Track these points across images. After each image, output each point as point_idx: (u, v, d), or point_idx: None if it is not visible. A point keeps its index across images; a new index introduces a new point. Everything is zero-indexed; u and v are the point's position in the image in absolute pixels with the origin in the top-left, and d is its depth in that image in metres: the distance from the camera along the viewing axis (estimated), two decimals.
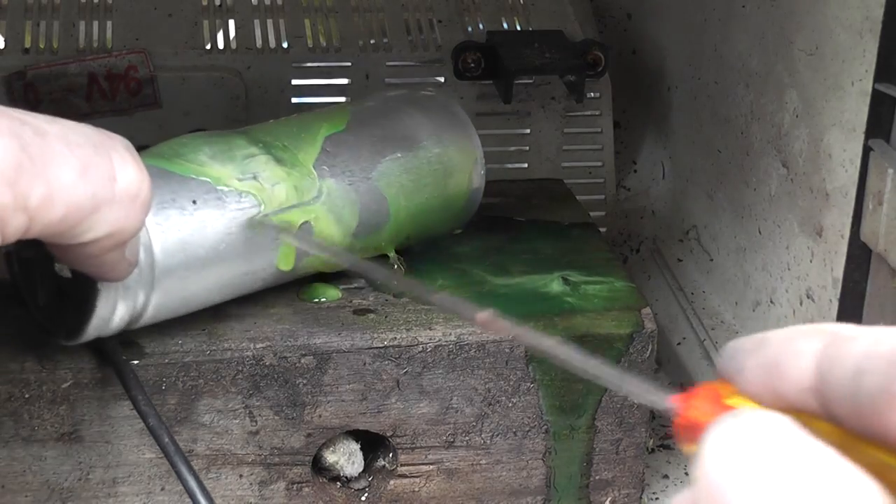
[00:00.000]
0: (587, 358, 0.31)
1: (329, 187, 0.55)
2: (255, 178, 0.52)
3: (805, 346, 0.25)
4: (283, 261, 0.54)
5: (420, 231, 0.60)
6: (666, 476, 0.69)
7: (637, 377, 0.29)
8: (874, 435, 0.24)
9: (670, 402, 0.27)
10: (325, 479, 0.57)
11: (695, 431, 0.26)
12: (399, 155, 0.58)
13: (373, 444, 0.57)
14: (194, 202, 0.50)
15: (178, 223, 0.49)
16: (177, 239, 0.49)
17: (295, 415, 0.54)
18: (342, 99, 0.84)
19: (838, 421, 0.25)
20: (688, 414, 0.27)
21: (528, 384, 0.56)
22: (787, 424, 0.23)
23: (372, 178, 0.56)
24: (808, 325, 0.26)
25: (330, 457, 0.55)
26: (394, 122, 0.60)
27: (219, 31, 0.83)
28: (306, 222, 0.53)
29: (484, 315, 0.35)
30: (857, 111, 0.61)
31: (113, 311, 0.48)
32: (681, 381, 0.79)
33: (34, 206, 0.35)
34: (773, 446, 0.22)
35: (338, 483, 0.57)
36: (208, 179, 0.51)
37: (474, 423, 0.56)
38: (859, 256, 0.61)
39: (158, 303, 0.49)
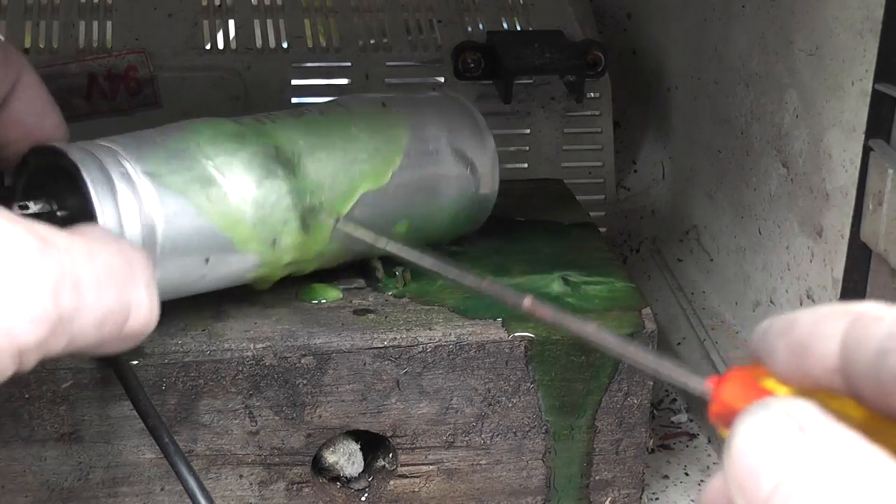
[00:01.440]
0: (625, 343, 0.32)
1: (336, 247, 0.55)
2: (273, 244, 0.52)
3: (831, 327, 0.26)
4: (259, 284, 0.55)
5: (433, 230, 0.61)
6: (666, 476, 0.69)
7: (673, 362, 0.30)
8: None
9: (706, 385, 0.28)
10: (325, 480, 0.57)
11: (729, 415, 0.27)
12: (423, 213, 0.59)
13: (373, 444, 0.57)
14: (207, 261, 0.50)
15: (180, 271, 0.50)
16: (177, 279, 0.50)
17: (295, 415, 0.54)
18: None
19: (864, 400, 0.25)
20: (721, 398, 0.27)
21: (528, 384, 0.56)
22: (813, 412, 0.24)
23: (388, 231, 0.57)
24: (835, 305, 0.27)
25: (330, 457, 0.55)
26: (432, 171, 0.59)
27: (219, 31, 0.83)
28: (298, 267, 0.55)
29: (528, 301, 0.36)
30: (857, 111, 0.61)
31: None
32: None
33: (47, 350, 0.36)
34: (800, 434, 0.23)
35: (338, 483, 0.57)
36: (231, 239, 0.51)
37: (474, 424, 0.56)
38: (859, 256, 0.61)
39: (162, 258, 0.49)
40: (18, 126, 0.52)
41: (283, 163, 0.53)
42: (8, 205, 0.46)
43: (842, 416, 0.24)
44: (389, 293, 0.58)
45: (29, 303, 0.34)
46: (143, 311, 0.40)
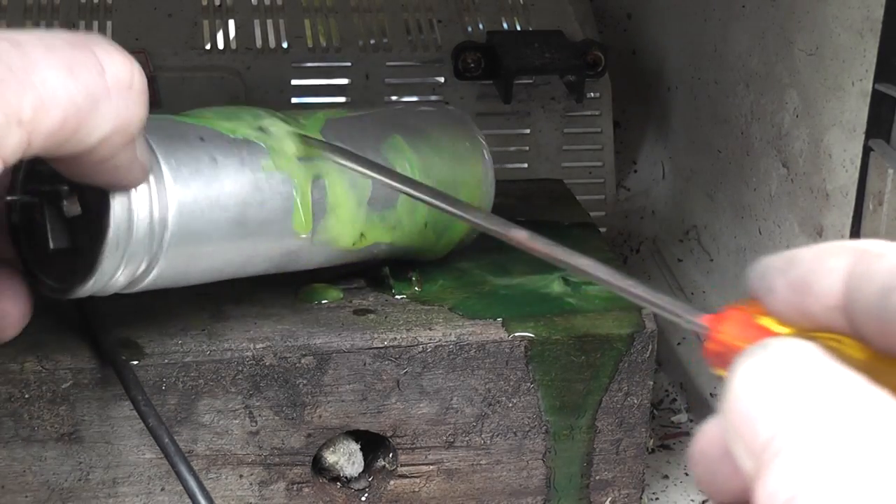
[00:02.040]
0: (621, 276, 0.31)
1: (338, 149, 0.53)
2: (261, 129, 0.50)
3: (833, 263, 0.25)
4: (299, 223, 0.51)
5: (436, 218, 0.58)
6: (666, 476, 0.69)
7: (670, 296, 0.29)
8: None
9: (702, 321, 0.27)
10: (325, 480, 0.57)
11: (726, 354, 0.26)
12: (405, 136, 0.56)
13: (373, 444, 0.57)
14: (202, 139, 0.48)
15: (187, 157, 0.47)
16: (191, 170, 0.47)
17: (295, 415, 0.54)
18: (342, 99, 0.84)
19: (867, 339, 0.24)
20: (718, 336, 0.26)
21: (528, 384, 0.56)
22: (814, 353, 0.23)
23: (380, 151, 0.55)
24: (837, 243, 0.26)
25: (330, 457, 0.55)
26: (398, 115, 0.59)
27: (219, 31, 0.83)
28: (318, 177, 0.51)
29: (520, 234, 0.36)
30: (857, 111, 0.61)
31: (118, 266, 0.45)
32: (681, 381, 0.79)
33: (28, 117, 0.33)
34: (801, 377, 0.22)
35: (338, 483, 0.57)
36: (219, 129, 0.49)
37: (474, 424, 0.56)
38: None
39: (171, 247, 0.46)
40: None
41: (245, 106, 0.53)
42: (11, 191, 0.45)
43: (844, 357, 0.23)
44: (401, 296, 0.58)
45: None
46: (116, 59, 0.37)
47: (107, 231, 0.43)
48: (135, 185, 0.44)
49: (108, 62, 0.37)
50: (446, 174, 0.58)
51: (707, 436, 0.26)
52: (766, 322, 0.26)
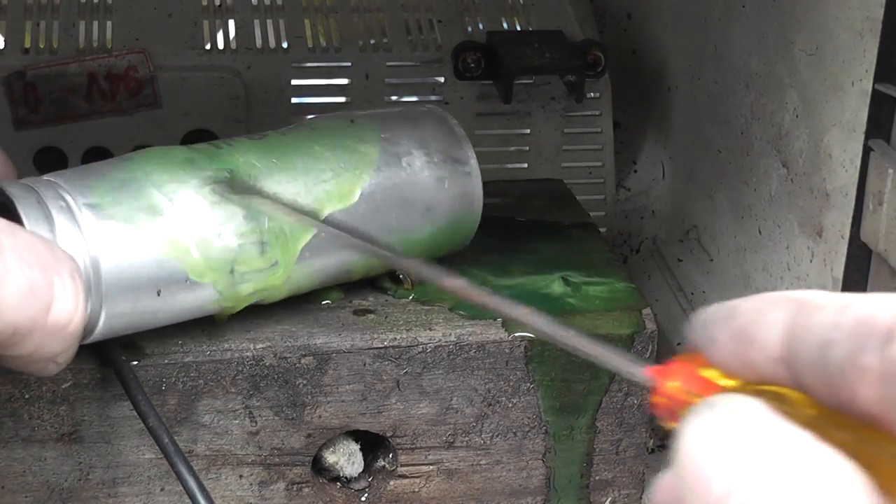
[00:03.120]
0: (564, 329, 0.31)
1: (301, 274, 0.52)
2: (231, 273, 0.49)
3: (774, 315, 0.25)
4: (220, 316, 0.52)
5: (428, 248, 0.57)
6: None
7: (616, 349, 0.29)
8: (843, 405, 0.24)
9: (646, 374, 0.28)
10: (325, 480, 0.57)
11: (673, 407, 0.26)
12: (400, 231, 0.55)
13: (373, 444, 0.57)
14: (159, 293, 0.48)
15: (132, 305, 0.47)
16: (126, 317, 0.48)
17: (295, 415, 0.54)
18: (342, 99, 0.83)
19: (809, 392, 0.25)
20: (664, 390, 0.27)
21: (528, 384, 0.56)
22: (759, 410, 0.23)
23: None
24: (777, 293, 0.26)
25: (330, 457, 0.55)
26: (406, 187, 0.55)
27: (219, 31, 0.83)
28: (261, 299, 0.52)
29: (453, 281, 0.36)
30: (857, 111, 0.61)
31: None
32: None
33: None
34: (748, 435, 0.23)
35: (338, 483, 0.57)
36: (183, 269, 0.48)
37: (474, 424, 0.56)
38: (859, 256, 0.61)
39: (105, 328, 0.48)
40: None
41: (238, 187, 0.50)
42: None
43: (788, 412, 0.23)
44: (395, 293, 0.58)
45: None
46: (68, 299, 0.39)
47: None
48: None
49: (59, 299, 0.39)
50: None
51: (663, 488, 0.27)
52: (711, 375, 0.27)
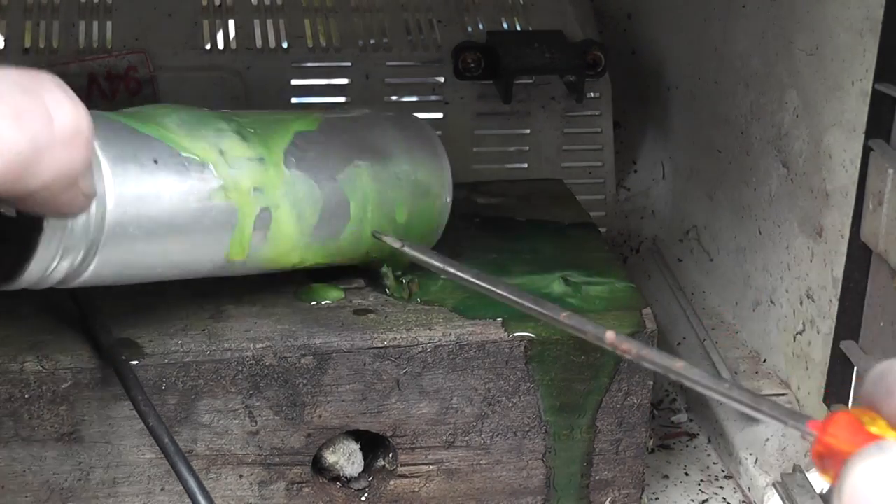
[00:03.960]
0: (718, 382, 0.29)
1: (294, 179, 0.53)
2: (221, 153, 0.50)
3: None
4: (235, 249, 0.51)
5: (381, 248, 0.57)
6: (666, 476, 0.69)
7: (771, 401, 0.28)
8: None
9: (809, 427, 0.26)
10: (325, 480, 0.57)
11: (833, 460, 0.25)
12: (367, 164, 0.56)
13: (373, 444, 0.57)
14: (156, 161, 0.47)
15: (136, 178, 0.46)
16: (133, 194, 0.46)
17: (295, 415, 0.54)
18: (342, 99, 0.84)
19: None
20: (827, 441, 0.25)
21: (528, 384, 0.56)
22: None
23: (337, 181, 0.55)
24: None
25: (330, 457, 0.55)
26: (366, 132, 0.58)
27: (219, 31, 0.83)
28: (266, 209, 0.52)
29: (611, 336, 0.34)
30: (857, 111, 0.61)
31: (54, 257, 0.45)
32: (681, 382, 0.79)
33: None
34: None
35: (338, 483, 0.57)
36: (173, 145, 0.48)
37: (474, 423, 0.56)
38: (859, 256, 0.61)
39: (103, 259, 0.46)
40: None
41: (217, 112, 0.53)
42: None
43: None
44: (394, 297, 0.58)
45: None
46: (65, 108, 0.37)
47: (42, 224, 0.43)
48: (77, 215, 0.43)
49: (56, 109, 0.36)
50: (406, 205, 0.58)
51: None
52: (879, 428, 0.25)
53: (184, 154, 0.49)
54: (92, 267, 0.46)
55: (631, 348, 0.33)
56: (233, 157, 0.50)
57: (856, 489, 0.22)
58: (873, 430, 0.25)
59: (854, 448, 0.25)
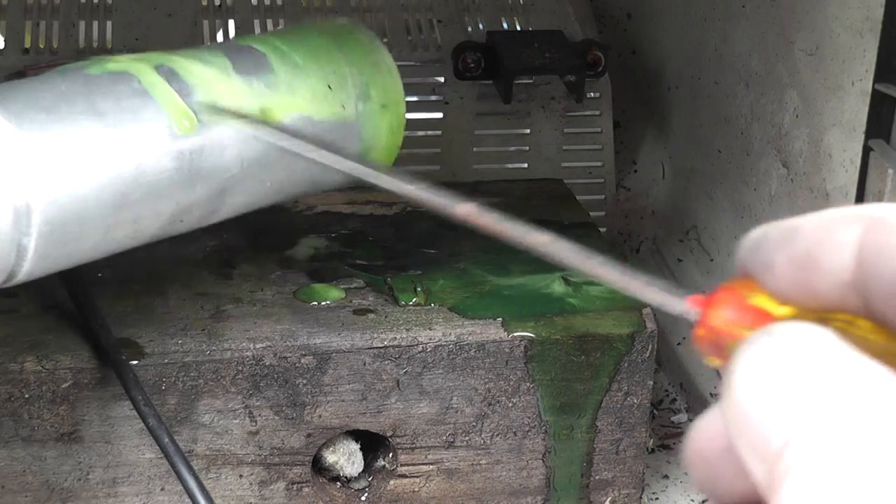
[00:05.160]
0: (585, 254, 0.26)
1: (192, 51, 0.48)
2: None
3: (843, 235, 0.22)
4: (174, 115, 0.45)
5: (342, 74, 0.52)
6: (666, 476, 0.69)
7: (649, 277, 0.25)
8: None
9: (688, 305, 0.24)
10: (325, 479, 0.57)
11: (719, 341, 0.23)
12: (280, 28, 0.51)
13: (373, 444, 0.57)
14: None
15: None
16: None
17: (295, 415, 0.54)
18: None
19: (884, 321, 0.21)
20: (710, 322, 0.23)
21: (528, 384, 0.56)
22: (828, 339, 0.20)
23: (246, 39, 0.50)
24: (843, 210, 0.22)
25: (330, 457, 0.55)
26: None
27: (219, 31, 0.83)
28: (163, 65, 0.45)
29: (466, 208, 0.30)
30: (857, 111, 0.61)
31: None
32: (681, 381, 0.79)
33: None
34: (814, 369, 0.19)
35: (338, 483, 0.57)
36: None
37: (474, 423, 0.56)
38: None
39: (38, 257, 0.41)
40: None
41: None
42: None
43: (860, 343, 0.20)
44: (409, 303, 0.57)
45: None
46: None
47: None
48: None
49: None
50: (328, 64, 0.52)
51: (703, 433, 0.23)
52: (763, 302, 0.23)
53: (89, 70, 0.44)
54: (26, 268, 0.41)
55: (488, 221, 0.29)
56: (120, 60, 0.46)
57: (743, 386, 0.20)
58: (757, 303, 0.23)
59: (740, 328, 0.22)
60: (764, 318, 0.23)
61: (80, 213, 0.41)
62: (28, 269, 0.41)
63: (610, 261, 0.26)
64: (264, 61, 0.49)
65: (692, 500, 0.67)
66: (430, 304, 0.57)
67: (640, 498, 0.60)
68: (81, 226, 0.42)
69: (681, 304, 0.24)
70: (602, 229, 0.83)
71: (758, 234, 0.24)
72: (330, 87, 0.51)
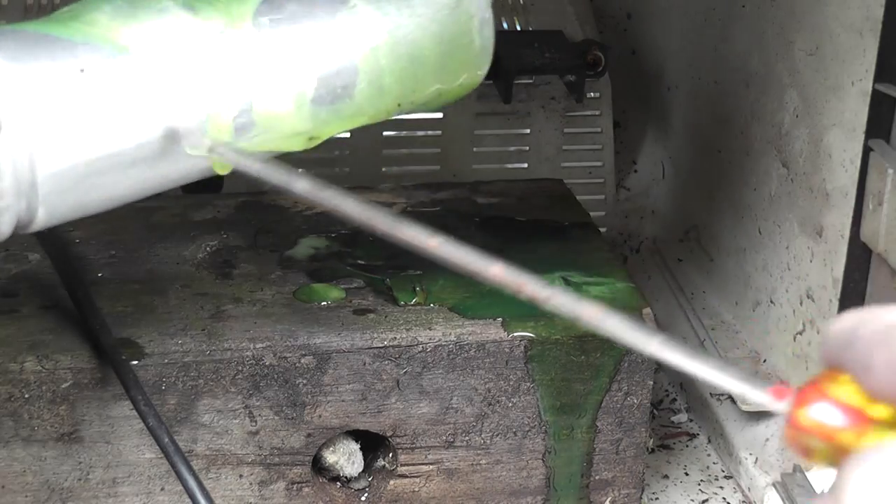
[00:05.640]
0: (649, 337, 0.26)
1: (269, 43, 0.44)
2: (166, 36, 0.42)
3: None
4: (214, 130, 0.42)
5: (411, 90, 0.48)
6: (666, 476, 0.69)
7: (727, 365, 0.25)
8: None
9: (771, 396, 0.23)
10: (325, 479, 0.57)
11: (808, 442, 0.22)
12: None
13: (373, 444, 0.57)
14: (82, 71, 0.41)
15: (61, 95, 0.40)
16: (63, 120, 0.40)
17: (295, 415, 0.54)
18: None
19: None
20: (801, 422, 0.22)
21: (528, 384, 0.56)
22: None
23: (332, 29, 0.46)
24: None
25: (330, 457, 0.55)
26: None
27: None
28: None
29: (496, 269, 0.29)
30: (857, 111, 0.61)
31: None
32: (681, 381, 0.79)
33: None
34: None
35: (338, 483, 0.57)
36: (102, 43, 0.41)
37: (474, 423, 0.56)
38: (859, 256, 0.61)
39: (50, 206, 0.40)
40: None
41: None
42: None
43: None
44: (409, 303, 0.57)
45: None
46: None
47: None
48: None
49: None
50: (430, 34, 0.48)
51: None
52: (855, 399, 0.22)
53: (119, 55, 0.41)
54: (40, 215, 0.40)
55: (539, 293, 0.28)
56: (177, 40, 0.42)
57: (858, 500, 0.20)
58: (848, 400, 0.22)
59: (832, 432, 0.22)
60: (859, 418, 0.22)
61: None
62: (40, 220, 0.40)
63: (680, 345, 0.25)
64: (351, 85, 0.46)
65: (692, 501, 0.67)
66: (429, 304, 0.57)
67: (640, 498, 0.60)
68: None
69: (762, 395, 0.23)
70: (602, 229, 0.83)
71: (847, 327, 0.23)
72: (400, 105, 0.49)
